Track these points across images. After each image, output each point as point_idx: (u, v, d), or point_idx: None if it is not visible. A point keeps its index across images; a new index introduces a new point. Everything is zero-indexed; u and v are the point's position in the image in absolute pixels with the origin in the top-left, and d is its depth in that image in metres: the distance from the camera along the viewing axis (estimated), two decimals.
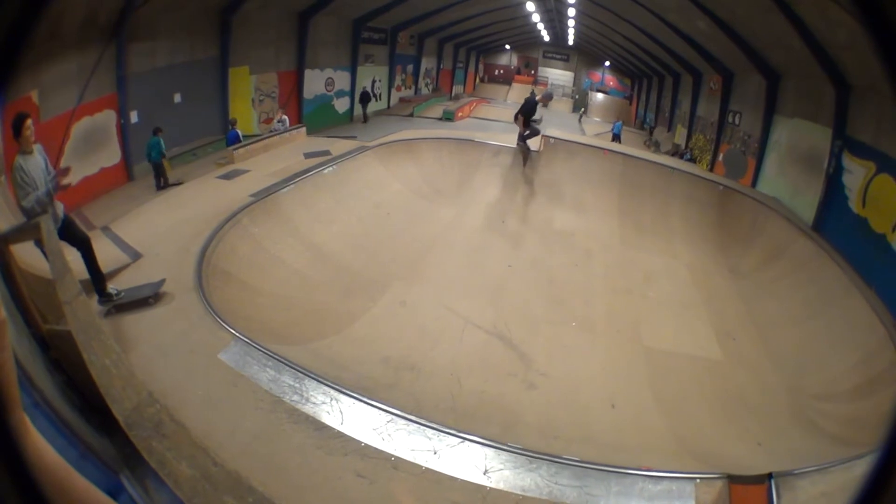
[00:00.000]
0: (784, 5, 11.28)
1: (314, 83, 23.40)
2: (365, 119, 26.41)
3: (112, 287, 6.37)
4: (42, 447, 0.75)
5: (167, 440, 2.49)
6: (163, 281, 6.59)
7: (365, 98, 26.63)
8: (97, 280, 6.18)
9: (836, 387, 6.73)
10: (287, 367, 4.90)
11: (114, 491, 4.66)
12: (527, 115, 13.02)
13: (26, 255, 6.27)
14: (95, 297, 6.13)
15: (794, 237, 10.73)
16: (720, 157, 20.18)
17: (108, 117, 14.35)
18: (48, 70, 11.77)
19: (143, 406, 2.75)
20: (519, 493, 3.84)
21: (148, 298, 6.32)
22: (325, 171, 11.26)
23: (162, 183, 13.58)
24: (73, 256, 5.68)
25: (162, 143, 13.69)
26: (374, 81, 28.68)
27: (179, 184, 12.73)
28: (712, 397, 6.70)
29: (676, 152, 23.70)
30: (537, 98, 13.80)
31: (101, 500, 0.84)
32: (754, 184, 16.28)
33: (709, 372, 7.21)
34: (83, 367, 3.45)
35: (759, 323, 8.53)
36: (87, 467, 4.69)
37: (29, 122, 5.62)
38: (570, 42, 45.79)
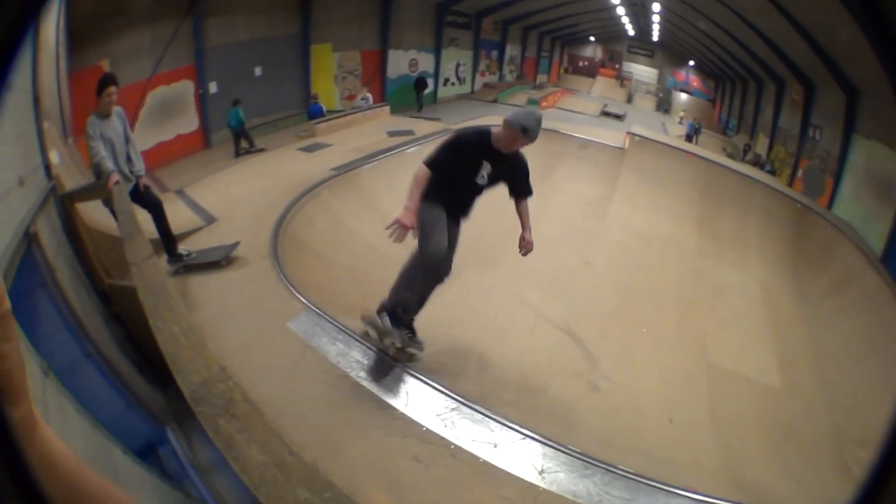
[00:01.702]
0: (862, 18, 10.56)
1: (398, 63, 23.53)
2: (420, 107, 24.18)
3: (183, 248, 6.53)
4: (52, 441, 0.72)
5: (237, 421, 2.38)
6: (236, 244, 6.70)
7: (421, 84, 25.12)
8: (168, 241, 6.35)
9: (875, 434, 6.28)
10: (357, 343, 4.88)
11: (156, 441, 4.84)
12: (446, 180, 4.69)
13: (94, 213, 6.52)
14: (164, 257, 6.30)
15: (862, 268, 10.18)
16: (800, 172, 19.22)
17: (186, 87, 14.90)
18: (119, 41, 12.31)
19: (214, 381, 2.64)
20: (570, 497, 3.71)
21: (220, 261, 6.44)
22: (408, 150, 11.28)
23: (243, 149, 14.00)
24: (143, 217, 5.85)
25: (241, 112, 14.08)
26: (458, 65, 28.61)
27: (263, 150, 13.09)
28: (763, 426, 6.42)
29: (757, 162, 22.80)
30: (494, 129, 4.70)
31: (113, 493, 0.81)
32: (830, 205, 15.38)
33: (764, 399, 6.93)
34: (143, 322, 3.47)
35: (820, 354, 8.13)
36: (131, 417, 4.87)
37: (112, 88, 5.81)
38: (655, 38, 44.47)
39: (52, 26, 9.18)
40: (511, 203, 5.46)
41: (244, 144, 14.23)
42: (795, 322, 8.97)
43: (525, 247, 5.47)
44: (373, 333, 5.02)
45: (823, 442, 6.36)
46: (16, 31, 0.67)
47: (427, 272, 4.81)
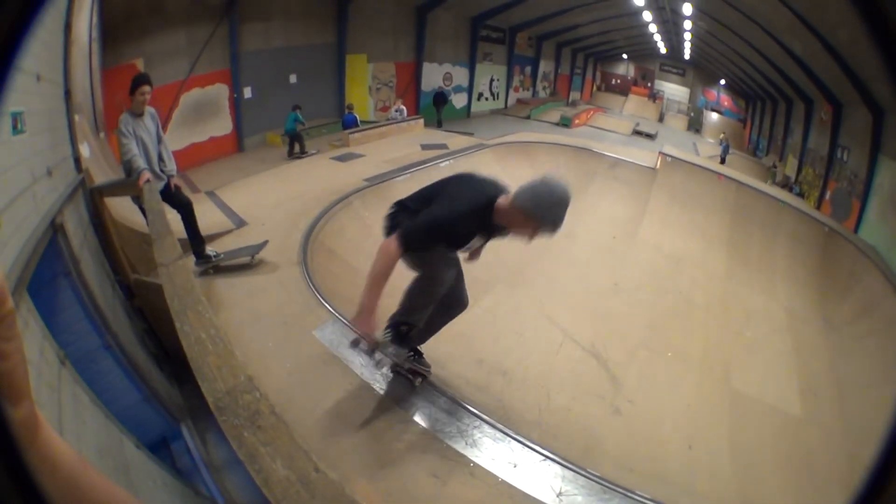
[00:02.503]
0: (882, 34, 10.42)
1: (432, 76, 23.79)
2: (439, 123, 22.11)
3: (211, 250, 6.57)
4: (54, 442, 0.71)
5: (263, 433, 2.35)
6: (265, 243, 6.76)
7: (440, 99, 24.36)
8: (196, 242, 6.38)
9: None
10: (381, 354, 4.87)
11: (170, 437, 4.89)
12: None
13: (123, 208, 6.62)
14: (192, 259, 6.34)
15: (887, 294, 10.00)
16: (828, 194, 18.96)
17: (221, 91, 15.22)
18: (154, 42, 12.61)
19: (240, 391, 2.59)
20: None
21: (249, 262, 6.50)
22: (442, 164, 11.37)
23: (296, 151, 14.33)
24: (172, 216, 5.85)
25: (299, 116, 14.45)
26: (492, 80, 28.81)
27: (314, 153, 13.35)
28: (782, 455, 6.31)
29: (786, 184, 22.52)
30: (500, 201, 3.55)
31: (118, 494, 0.80)
32: (856, 229, 15.14)
33: (785, 427, 6.82)
34: (166, 319, 3.45)
35: (842, 381, 8.00)
36: (146, 411, 4.93)
37: (146, 88, 5.88)
38: (687, 56, 44.20)
39: (84, 22, 9.34)
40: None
41: (296, 149, 14.54)
42: (819, 349, 8.87)
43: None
44: (363, 346, 4.31)
45: (838, 471, 6.21)
46: (16, 31, 0.66)
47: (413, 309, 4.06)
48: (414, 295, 3.98)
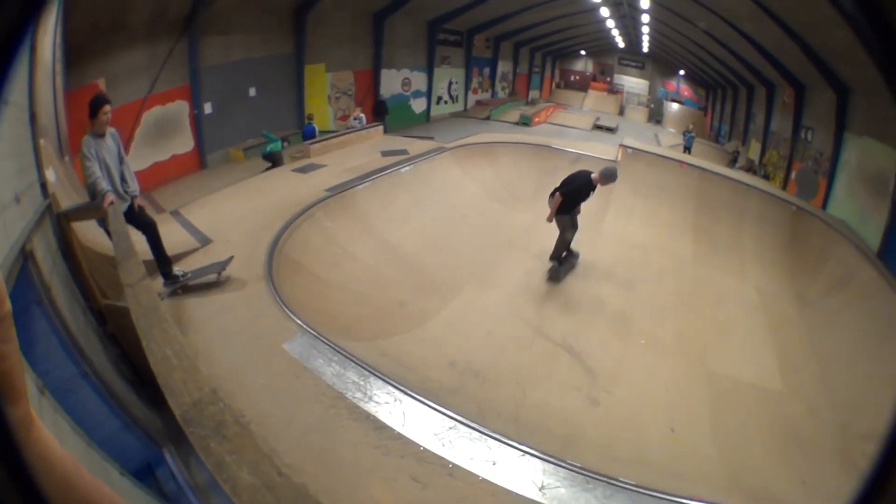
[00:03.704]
0: (850, 17, 10.71)
1: (391, 83, 23.63)
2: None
3: (178, 269, 6.49)
4: (48, 441, 0.73)
5: (228, 443, 2.40)
6: (230, 258, 6.71)
7: (381, 108, 22.71)
8: (162, 263, 6.31)
9: (882, 429, 6.22)
10: (353, 364, 4.89)
11: (154, 463, 4.80)
12: (569, 200, 8.58)
13: (90, 232, 6.51)
14: (160, 279, 6.27)
15: (860, 265, 10.16)
16: (793, 174, 19.26)
17: (181, 107, 14.90)
18: (115, 60, 12.31)
19: (205, 403, 2.65)
20: None
21: (217, 279, 6.45)
22: (402, 170, 11.40)
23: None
24: (138, 238, 5.83)
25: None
26: (450, 83, 28.73)
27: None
28: (767, 430, 6.40)
29: (750, 168, 22.87)
30: (593, 175, 8.66)
31: (109, 495, 0.81)
32: (825, 205, 15.42)
33: (767, 403, 6.90)
34: (138, 343, 3.43)
35: (821, 355, 8.08)
36: (127, 438, 4.83)
37: (107, 107, 5.83)
38: (645, 49, 44.78)
39: (48, 42, 9.17)
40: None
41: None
42: (794, 325, 8.97)
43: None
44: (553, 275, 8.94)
45: (828, 441, 6.33)
46: (15, 31, 0.67)
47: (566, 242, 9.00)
48: (562, 237, 8.86)
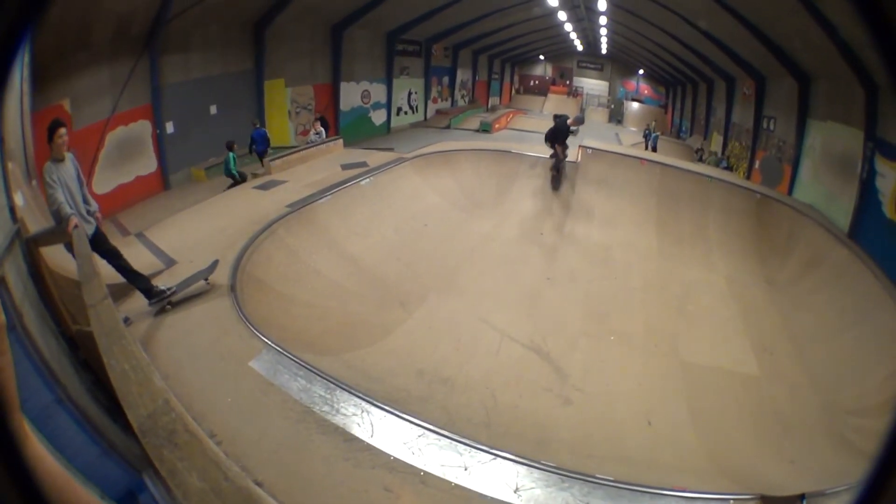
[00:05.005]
0: (809, 4, 11.03)
1: (350, 95, 23.59)
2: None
3: (162, 285, 6.41)
4: (40, 452, 0.72)
5: (179, 450, 2.47)
6: (216, 262, 6.81)
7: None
8: (140, 283, 6.25)
9: (869, 401, 6.39)
10: (319, 378, 4.87)
11: (135, 489, 4.68)
12: (554, 136, 12.66)
13: (58, 257, 6.39)
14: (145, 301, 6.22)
15: (830, 246, 10.34)
16: (756, 164, 19.66)
17: (144, 127, 14.67)
18: (80, 80, 12.10)
19: (159, 414, 2.72)
20: None
21: (206, 283, 6.55)
22: (362, 182, 11.37)
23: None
24: (104, 264, 5.76)
25: (234, 158, 14.24)
26: (410, 93, 28.77)
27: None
28: (748, 414, 6.47)
29: (719, 164, 23.25)
30: (568, 122, 12.94)
31: None
32: (790, 191, 15.77)
33: (745, 387, 6.98)
34: None
35: (796, 336, 8.23)
36: (107, 465, 4.71)
37: (62, 130, 5.74)
38: (604, 51, 45.40)
39: (16, 62, 8.95)
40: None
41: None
42: (767, 310, 9.11)
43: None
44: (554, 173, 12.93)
45: (813, 419, 6.41)
46: (15, 31, 0.67)
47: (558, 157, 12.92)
48: (560, 151, 12.81)
